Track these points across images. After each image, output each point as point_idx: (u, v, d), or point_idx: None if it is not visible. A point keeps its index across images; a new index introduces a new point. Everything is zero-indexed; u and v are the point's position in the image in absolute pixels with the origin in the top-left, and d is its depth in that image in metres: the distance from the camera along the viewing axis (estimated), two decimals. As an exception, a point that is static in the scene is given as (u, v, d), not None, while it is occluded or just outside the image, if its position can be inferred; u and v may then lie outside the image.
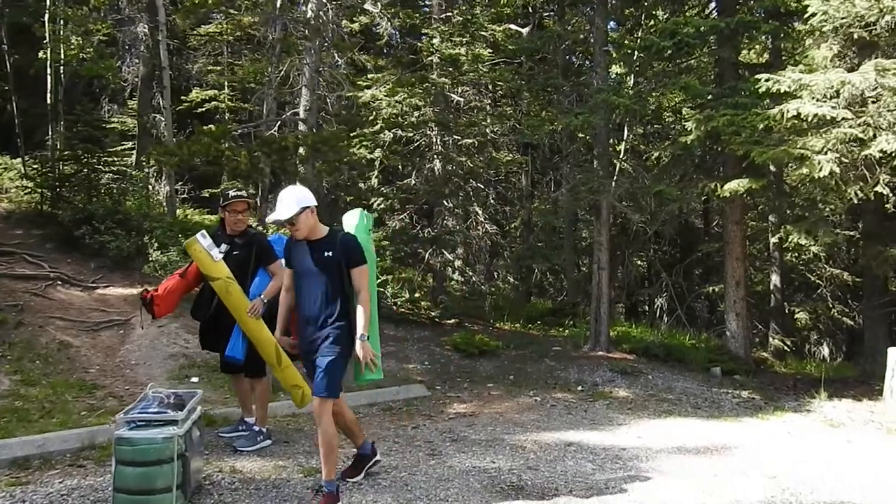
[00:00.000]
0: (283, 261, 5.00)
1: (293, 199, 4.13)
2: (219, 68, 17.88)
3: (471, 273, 15.70)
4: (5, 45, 16.68)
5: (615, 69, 13.82)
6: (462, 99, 13.63)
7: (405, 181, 13.59)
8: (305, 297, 4.26)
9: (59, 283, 9.80)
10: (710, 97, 10.51)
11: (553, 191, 18.93)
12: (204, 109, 17.52)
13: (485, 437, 6.41)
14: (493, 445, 6.07)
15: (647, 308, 19.49)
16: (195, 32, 17.08)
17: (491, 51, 13.36)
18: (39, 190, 12.32)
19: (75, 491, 4.35)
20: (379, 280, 11.93)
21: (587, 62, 15.59)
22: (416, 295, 12.85)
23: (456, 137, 13.33)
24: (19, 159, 14.70)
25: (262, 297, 5.07)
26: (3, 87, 16.81)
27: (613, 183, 11.35)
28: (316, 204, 4.25)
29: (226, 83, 17.92)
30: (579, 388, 9.17)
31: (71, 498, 4.25)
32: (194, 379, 7.59)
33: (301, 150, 9.64)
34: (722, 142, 9.98)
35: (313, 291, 4.21)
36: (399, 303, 12.09)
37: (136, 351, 8.22)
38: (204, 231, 5.19)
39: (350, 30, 13.52)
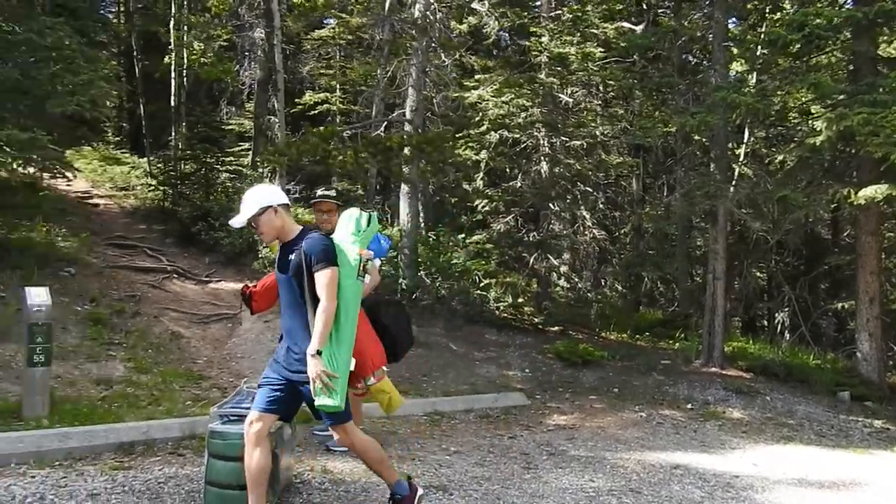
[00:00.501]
0: (378, 260, 4.96)
1: (253, 200, 3.72)
2: (331, 71, 18.32)
3: (577, 279, 15.30)
4: (136, 52, 17.80)
5: (735, 66, 13.05)
6: (571, 99, 13.31)
7: (511, 183, 13.41)
8: (281, 305, 3.89)
9: (175, 276, 10.25)
10: (843, 95, 9.68)
11: (666, 195, 18.16)
12: (316, 112, 17.98)
13: (584, 452, 6.10)
14: (593, 463, 5.75)
15: (766, 323, 18.36)
16: (309, 37, 17.55)
17: (602, 49, 12.93)
18: (162, 188, 12.99)
19: (172, 480, 4.41)
20: (482, 283, 11.83)
21: (705, 60, 14.85)
22: (520, 300, 12.63)
23: (564, 139, 13.04)
24: (146, 159, 15.61)
25: None
26: (134, 92, 17.94)
27: (732, 188, 10.70)
28: (283, 202, 3.78)
29: (337, 86, 18.33)
30: (689, 405, 8.67)
31: (167, 486, 4.31)
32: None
33: (406, 150, 9.63)
34: (856, 143, 9.17)
35: (284, 298, 3.81)
36: (502, 307, 11.88)
37: (243, 344, 8.43)
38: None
39: (458, 31, 13.47)
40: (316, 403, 3.59)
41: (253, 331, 8.64)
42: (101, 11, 18.36)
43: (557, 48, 12.21)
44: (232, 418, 4.02)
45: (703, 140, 12.97)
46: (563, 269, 14.35)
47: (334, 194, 5.31)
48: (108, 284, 9.09)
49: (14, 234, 9.06)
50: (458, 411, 7.35)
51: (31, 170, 9.52)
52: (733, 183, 10.97)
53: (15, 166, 8.38)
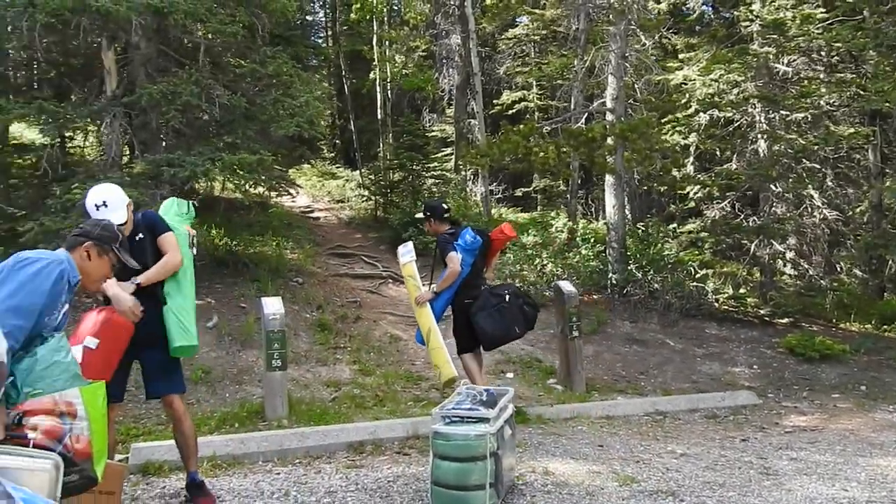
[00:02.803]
0: (454, 253, 5.64)
1: (119, 204, 3.78)
2: (527, 69, 18.34)
3: (806, 266, 13.93)
4: (344, 71, 19.03)
5: None
6: (790, 69, 12.17)
7: (725, 166, 12.55)
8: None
9: (391, 281, 10.74)
10: None
11: (911, 165, 16.02)
12: (514, 110, 18.08)
13: (832, 457, 5.44)
14: (844, 469, 5.09)
15: None
16: (503, 37, 17.68)
17: (823, 10, 11.65)
18: (373, 197, 13.73)
19: (400, 479, 4.53)
20: (697, 275, 11.16)
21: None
22: (742, 291, 11.74)
23: (783, 113, 12.00)
24: (358, 171, 16.62)
25: (434, 287, 5.81)
26: (344, 109, 19.21)
27: None
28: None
29: (534, 82, 18.30)
30: (960, 403, 7.51)
31: (396, 485, 4.42)
32: (510, 375, 7.70)
33: (609, 140, 9.32)
34: None
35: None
36: (721, 299, 11.11)
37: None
38: (407, 243, 6.58)
39: (657, 10, 12.84)
40: (175, 345, 3.80)
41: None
42: (312, 37, 19.91)
43: (771, 14, 11.21)
44: (454, 420, 4.05)
45: (957, 97, 11.25)
46: (790, 255, 13.18)
47: (421, 213, 6.30)
48: (331, 292, 9.72)
49: (251, 249, 9.99)
50: (681, 411, 6.94)
51: (260, 189, 10.43)
52: None
53: (247, 187, 9.22)
